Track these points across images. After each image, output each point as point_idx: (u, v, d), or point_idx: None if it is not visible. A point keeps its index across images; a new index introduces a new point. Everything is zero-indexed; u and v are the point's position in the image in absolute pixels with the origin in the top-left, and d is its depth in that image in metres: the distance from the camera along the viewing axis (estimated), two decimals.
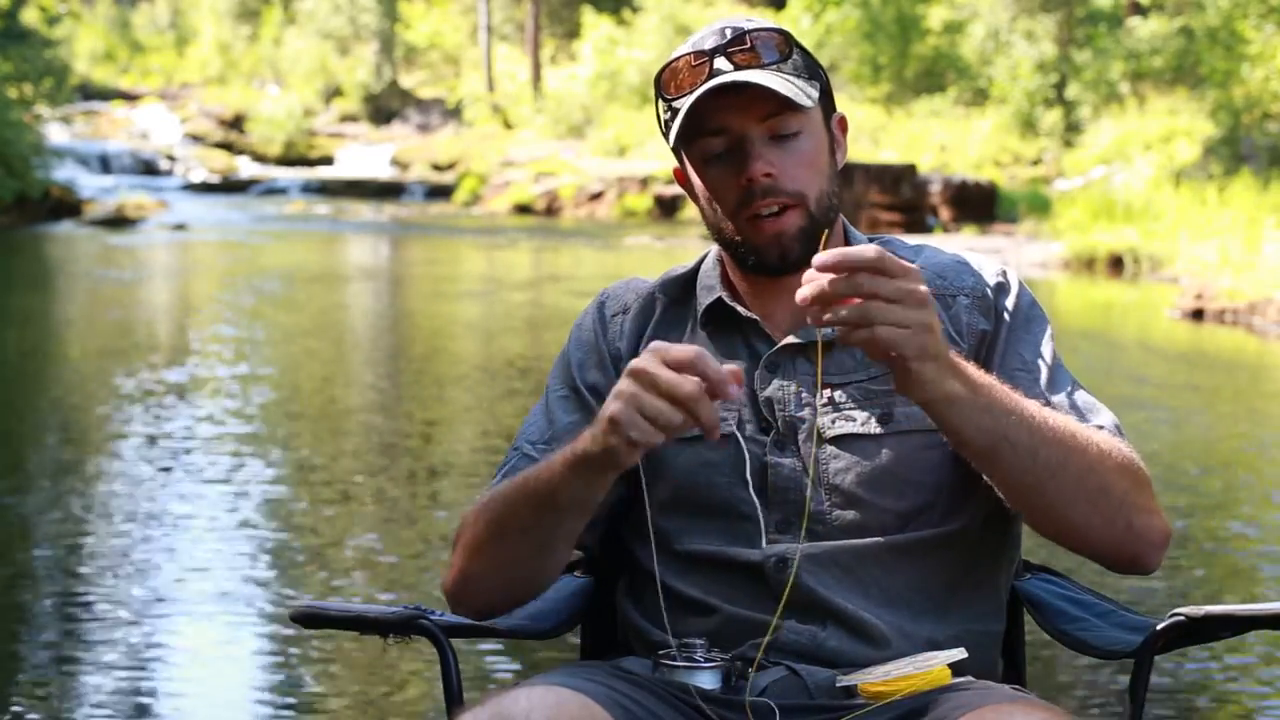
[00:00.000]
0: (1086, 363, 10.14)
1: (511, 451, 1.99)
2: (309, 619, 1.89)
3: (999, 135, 28.95)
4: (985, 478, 1.79)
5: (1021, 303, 1.93)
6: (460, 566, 1.91)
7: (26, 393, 9.13)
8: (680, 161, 1.96)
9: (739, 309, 1.94)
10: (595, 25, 36.52)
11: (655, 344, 1.68)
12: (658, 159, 29.22)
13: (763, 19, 1.91)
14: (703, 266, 2.01)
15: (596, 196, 28.35)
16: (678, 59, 1.87)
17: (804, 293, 1.64)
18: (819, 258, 1.64)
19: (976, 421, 1.72)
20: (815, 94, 1.88)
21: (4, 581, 5.22)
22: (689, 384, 1.63)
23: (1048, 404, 1.83)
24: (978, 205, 21.91)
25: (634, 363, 1.67)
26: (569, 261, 19.61)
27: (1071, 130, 28.68)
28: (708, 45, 1.86)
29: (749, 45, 1.85)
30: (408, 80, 44.26)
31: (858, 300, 1.63)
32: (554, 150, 32.47)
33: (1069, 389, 1.88)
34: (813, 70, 1.90)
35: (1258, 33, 21.68)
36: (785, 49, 1.87)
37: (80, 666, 4.33)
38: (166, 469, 6.92)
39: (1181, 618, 1.83)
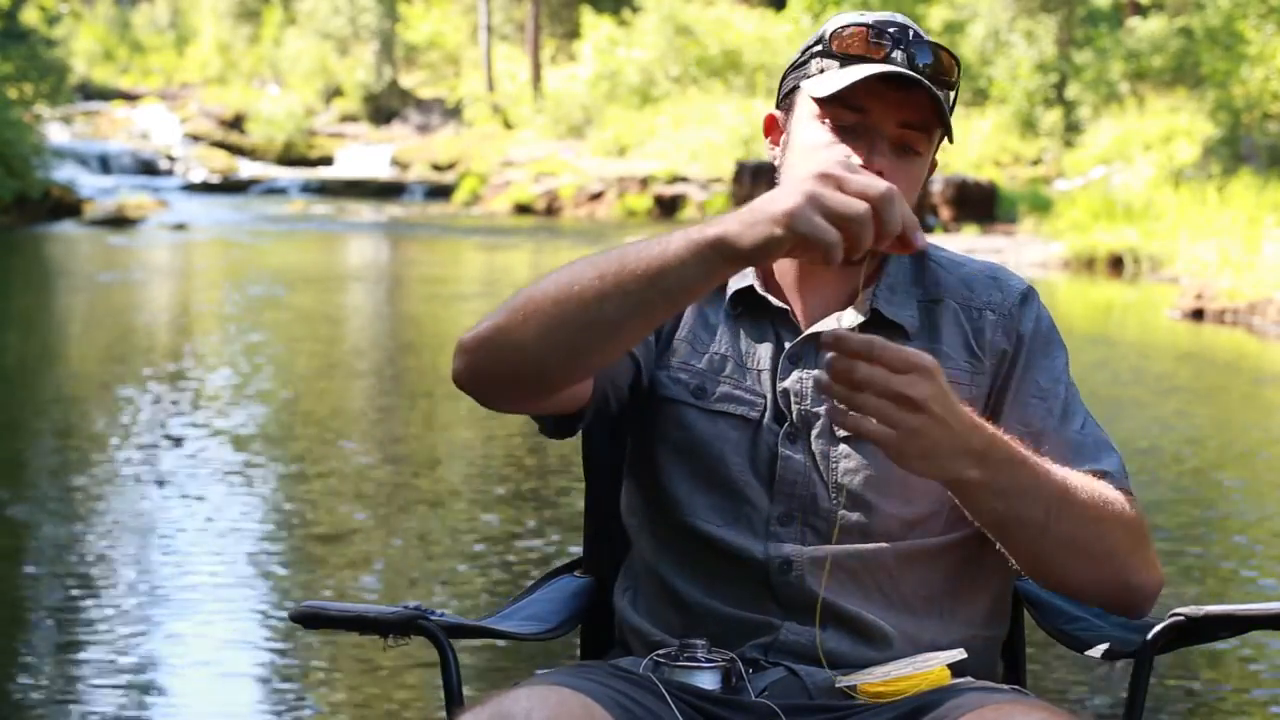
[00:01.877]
0: (1087, 363, 10.14)
1: None
2: (309, 619, 1.89)
3: (999, 135, 28.97)
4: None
5: (1041, 326, 1.92)
6: (499, 318, 1.74)
7: (26, 395, 9.13)
8: (786, 108, 1.94)
9: (770, 298, 1.93)
10: (595, 25, 36.52)
11: (840, 158, 1.64)
12: (657, 159, 29.23)
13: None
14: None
15: (596, 196, 28.36)
16: (857, 26, 1.86)
17: (821, 375, 1.64)
18: (827, 334, 1.62)
19: (989, 504, 1.71)
20: (950, 131, 1.90)
21: (3, 583, 5.22)
22: (881, 186, 1.59)
23: (1057, 435, 1.83)
24: (978, 205, 21.92)
25: (824, 166, 1.62)
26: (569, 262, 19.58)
27: (1071, 130, 28.70)
28: (891, 30, 1.85)
29: (927, 55, 1.85)
30: (408, 80, 44.27)
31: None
32: (554, 150, 32.48)
33: (1080, 423, 1.87)
34: (954, 103, 1.91)
35: (1258, 33, 21.67)
36: (954, 78, 1.88)
37: (80, 668, 4.33)
38: (166, 471, 6.92)
39: (1181, 618, 1.83)
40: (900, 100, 1.84)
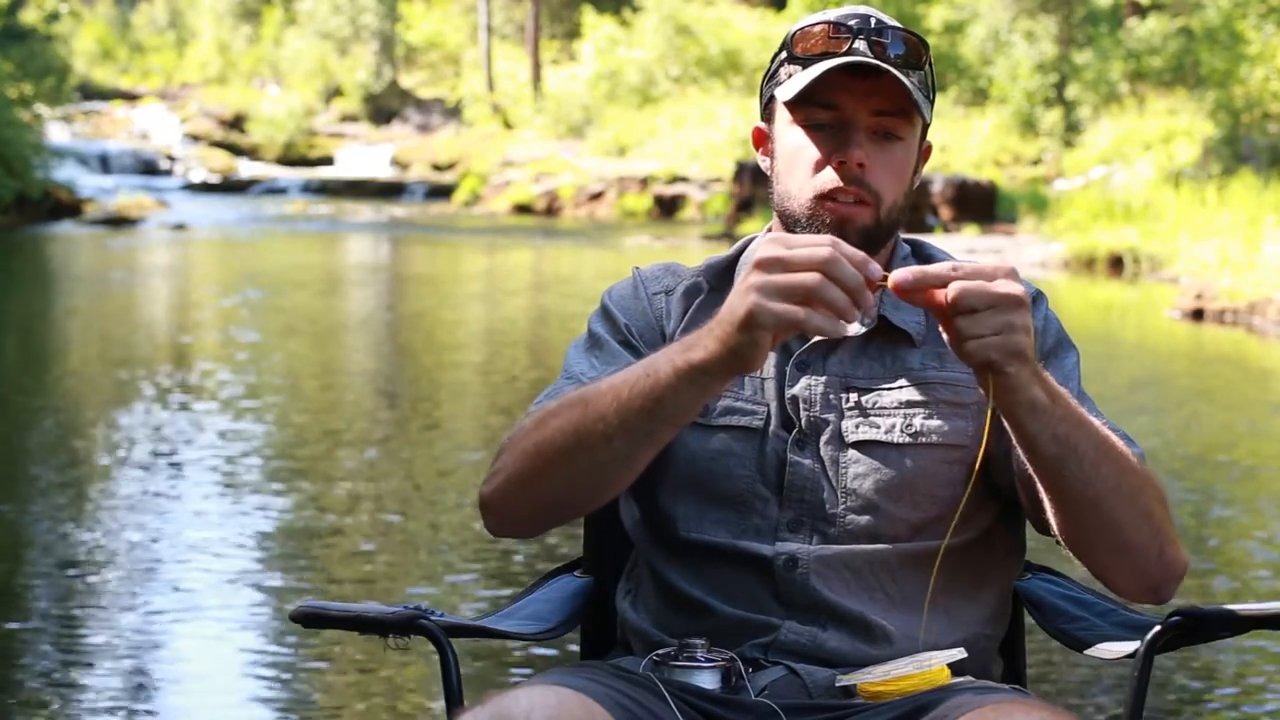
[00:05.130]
0: (1086, 364, 10.12)
1: (563, 381, 1.91)
2: (309, 619, 1.89)
3: (999, 135, 28.95)
4: (1041, 493, 1.76)
5: (1050, 327, 1.93)
6: (514, 471, 1.81)
7: (25, 397, 9.12)
8: (768, 119, 1.95)
9: None
10: (595, 25, 36.51)
11: (776, 234, 1.64)
12: (657, 159, 29.23)
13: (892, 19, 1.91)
14: (744, 255, 1.98)
15: (596, 196, 28.36)
16: (815, 25, 1.86)
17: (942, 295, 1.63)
18: (902, 273, 1.62)
19: (1053, 429, 1.69)
20: (929, 113, 1.89)
21: (3, 584, 5.22)
22: (823, 250, 1.59)
23: None
24: (978, 205, 21.92)
25: (760, 252, 1.62)
26: (570, 262, 19.60)
27: (1071, 130, 28.69)
28: (851, 22, 1.85)
29: (890, 40, 1.84)
30: (408, 80, 44.25)
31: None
32: (554, 150, 32.47)
33: (1095, 417, 1.87)
34: (931, 90, 1.90)
35: (1258, 33, 21.66)
36: (921, 59, 1.86)
37: (80, 668, 4.33)
38: (165, 472, 6.92)
39: (1181, 618, 1.83)
40: (869, 89, 1.84)
